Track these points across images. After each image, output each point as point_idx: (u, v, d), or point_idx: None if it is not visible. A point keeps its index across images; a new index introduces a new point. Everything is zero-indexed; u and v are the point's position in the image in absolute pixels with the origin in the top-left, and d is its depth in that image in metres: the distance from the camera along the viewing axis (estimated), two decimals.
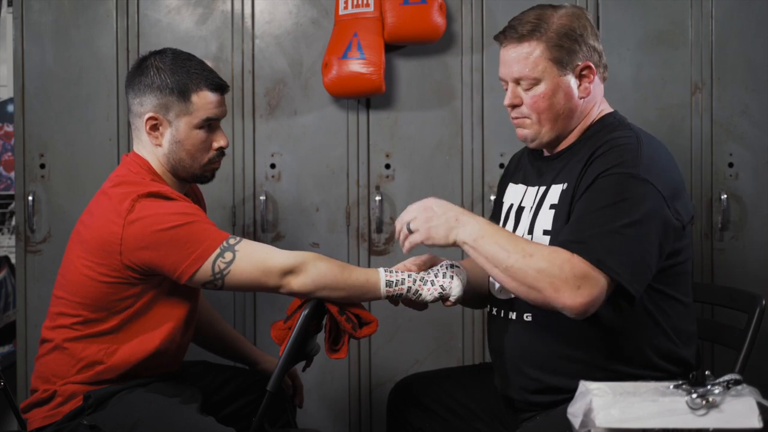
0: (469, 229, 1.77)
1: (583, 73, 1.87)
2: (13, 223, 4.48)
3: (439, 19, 2.70)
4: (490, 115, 2.81)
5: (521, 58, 1.85)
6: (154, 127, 1.98)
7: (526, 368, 1.88)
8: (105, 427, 1.86)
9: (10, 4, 4.03)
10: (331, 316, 1.91)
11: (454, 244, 1.80)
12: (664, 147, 1.89)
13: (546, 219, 1.86)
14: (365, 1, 2.71)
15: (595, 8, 2.81)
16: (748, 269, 2.83)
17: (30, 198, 2.79)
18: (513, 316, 1.91)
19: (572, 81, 1.86)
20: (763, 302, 1.96)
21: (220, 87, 2.00)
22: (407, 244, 1.84)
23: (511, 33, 1.87)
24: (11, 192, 4.57)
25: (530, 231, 1.90)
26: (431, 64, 2.83)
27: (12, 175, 4.67)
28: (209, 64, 2.18)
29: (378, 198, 2.81)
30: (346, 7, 2.73)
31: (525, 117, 1.90)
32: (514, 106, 1.91)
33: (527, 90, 1.87)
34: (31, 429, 1.95)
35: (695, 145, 2.83)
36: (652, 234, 1.72)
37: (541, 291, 1.69)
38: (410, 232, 1.83)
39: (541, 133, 1.90)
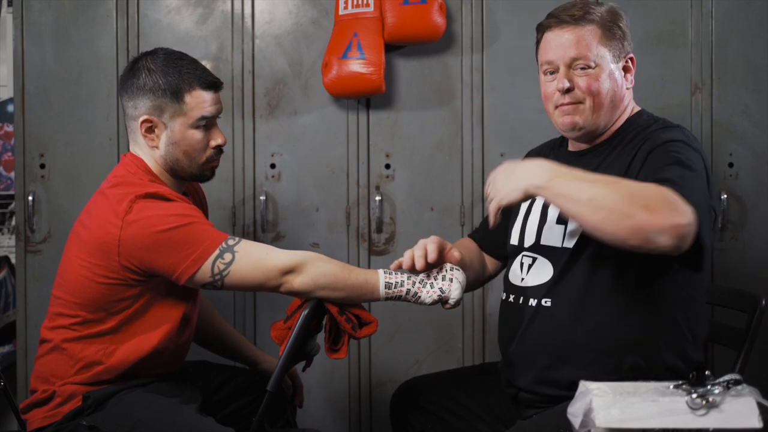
0: (539, 173, 1.65)
1: (627, 65, 1.93)
2: (13, 223, 4.48)
3: (439, 19, 2.70)
4: (490, 115, 2.81)
5: (577, 41, 1.87)
6: (150, 130, 1.97)
7: (542, 356, 1.86)
8: (104, 427, 1.86)
9: (10, 4, 4.03)
10: (331, 316, 1.91)
11: (531, 197, 1.70)
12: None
13: None
14: (365, 1, 2.71)
15: None
16: (748, 269, 2.83)
17: (30, 198, 2.79)
18: (533, 302, 1.88)
19: (618, 71, 1.91)
20: (763, 302, 1.96)
21: (213, 85, 1.99)
22: (491, 214, 1.75)
23: (565, 17, 1.89)
24: (11, 192, 4.57)
25: (560, 221, 1.87)
26: (431, 64, 2.83)
27: (12, 175, 4.66)
28: (209, 64, 2.19)
29: (378, 198, 2.81)
30: (346, 7, 2.73)
31: (578, 102, 1.88)
32: (567, 91, 1.88)
33: (581, 73, 1.88)
34: (30, 429, 1.95)
35: None
36: (709, 191, 1.76)
37: (633, 216, 1.54)
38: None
39: (591, 118, 1.88)
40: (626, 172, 1.79)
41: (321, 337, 2.01)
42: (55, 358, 1.94)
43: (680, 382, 1.40)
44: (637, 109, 1.97)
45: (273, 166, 2.84)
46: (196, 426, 1.83)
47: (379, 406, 2.81)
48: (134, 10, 2.81)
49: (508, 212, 2.06)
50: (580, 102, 1.88)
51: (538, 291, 1.87)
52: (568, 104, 1.89)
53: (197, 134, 1.98)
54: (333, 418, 2.86)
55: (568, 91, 1.88)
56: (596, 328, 1.81)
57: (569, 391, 1.79)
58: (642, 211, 1.54)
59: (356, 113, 2.84)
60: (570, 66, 1.88)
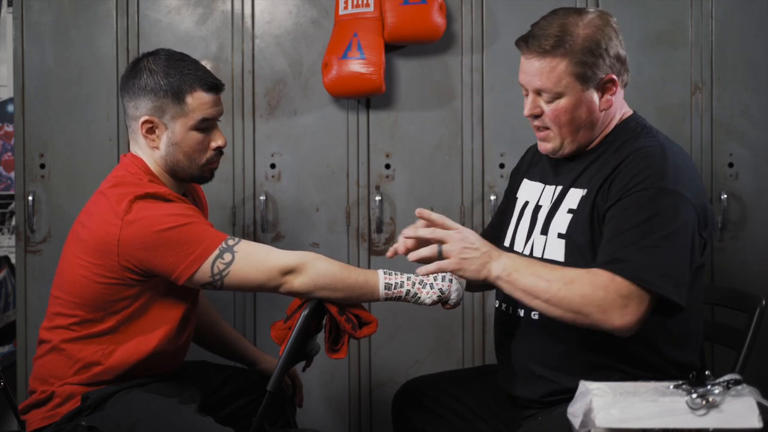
0: (502, 263, 1.75)
1: (606, 86, 1.83)
2: (13, 223, 4.48)
3: (439, 19, 2.70)
4: (490, 115, 2.81)
5: (544, 72, 1.81)
6: (150, 130, 1.97)
7: (533, 366, 1.87)
8: (103, 427, 1.86)
9: (10, 4, 4.03)
10: (331, 316, 1.91)
11: (485, 280, 1.78)
12: (686, 154, 1.89)
13: (562, 222, 1.85)
14: (365, 1, 2.71)
15: (595, 8, 2.80)
16: (748, 269, 2.83)
17: (30, 198, 2.79)
18: (521, 312, 1.90)
19: (594, 95, 1.83)
20: (763, 302, 1.96)
21: (214, 86, 1.99)
22: (433, 266, 1.79)
23: (534, 45, 1.82)
24: (11, 192, 4.57)
25: (544, 232, 1.88)
26: (431, 64, 2.83)
27: (12, 175, 4.66)
28: (209, 64, 2.19)
29: (378, 198, 2.81)
30: (346, 7, 2.73)
31: (546, 128, 1.87)
32: (534, 116, 1.87)
33: (548, 102, 1.83)
34: (30, 430, 1.95)
35: (695, 145, 2.82)
36: (687, 244, 1.73)
37: (588, 315, 1.69)
38: (440, 255, 1.78)
39: (563, 145, 1.87)
40: (604, 182, 1.80)
41: (321, 337, 2.01)
42: (54, 358, 1.94)
43: (680, 382, 1.40)
44: (628, 113, 1.92)
45: (273, 166, 2.84)
46: (195, 426, 1.83)
47: (379, 406, 2.81)
48: (134, 10, 2.81)
49: (502, 212, 2.11)
50: (549, 128, 1.87)
51: None
52: (537, 129, 1.89)
53: (198, 135, 1.98)
54: (333, 418, 2.86)
55: (535, 116, 1.87)
56: (585, 340, 1.81)
57: (566, 395, 1.80)
58: (595, 312, 1.68)
59: (356, 113, 2.84)
60: (538, 93, 1.85)
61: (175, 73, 1.95)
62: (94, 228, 1.88)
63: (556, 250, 1.85)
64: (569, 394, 1.77)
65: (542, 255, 1.88)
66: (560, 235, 1.84)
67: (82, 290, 1.90)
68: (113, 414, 1.87)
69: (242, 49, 2.82)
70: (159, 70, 1.95)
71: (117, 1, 2.81)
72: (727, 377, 1.37)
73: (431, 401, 2.10)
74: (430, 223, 1.82)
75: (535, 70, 1.82)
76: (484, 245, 1.78)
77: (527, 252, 1.92)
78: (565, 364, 1.83)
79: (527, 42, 1.84)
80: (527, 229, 1.94)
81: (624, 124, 1.90)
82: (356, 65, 2.66)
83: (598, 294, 1.68)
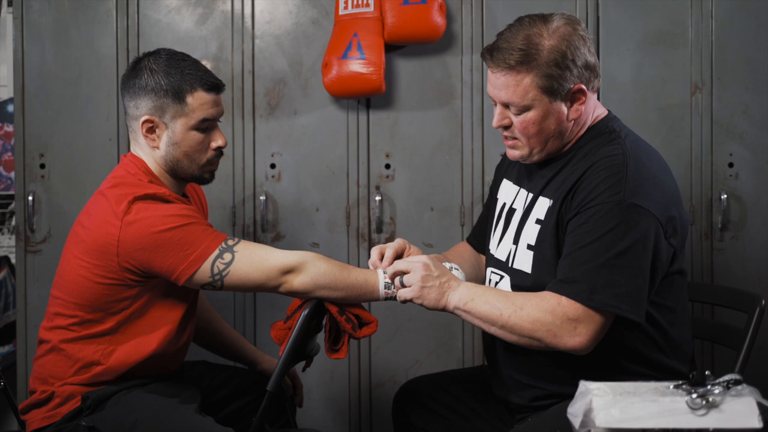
0: (459, 293, 1.80)
1: (575, 96, 1.80)
2: (13, 223, 4.48)
3: (439, 19, 2.70)
4: (489, 115, 2.81)
5: (510, 86, 1.79)
6: (151, 130, 1.97)
7: (519, 376, 1.89)
8: (104, 427, 1.86)
9: (10, 4, 4.03)
10: (331, 316, 1.92)
11: (444, 309, 1.82)
12: (656, 157, 1.85)
13: (531, 233, 1.86)
14: (365, 1, 2.71)
15: (595, 8, 2.80)
16: (748, 269, 2.83)
17: (30, 198, 2.79)
18: None
19: (563, 106, 1.80)
20: (763, 302, 1.96)
21: (215, 86, 1.99)
22: (399, 297, 1.86)
23: (498, 60, 1.79)
24: (11, 192, 4.57)
25: (515, 242, 1.89)
26: (431, 64, 2.83)
27: (12, 175, 4.67)
28: (209, 64, 2.19)
29: (378, 198, 2.81)
30: (346, 7, 2.73)
31: (515, 138, 1.86)
32: (503, 127, 1.86)
33: (516, 114, 1.81)
34: (30, 430, 1.95)
35: (695, 145, 2.82)
36: (643, 258, 1.71)
37: (540, 340, 1.73)
38: (402, 284, 1.85)
39: (531, 153, 1.86)
40: (568, 193, 1.79)
41: (321, 337, 2.01)
42: (54, 358, 1.94)
43: (680, 382, 1.40)
44: (602, 114, 1.89)
45: (273, 166, 2.84)
46: (195, 426, 1.83)
47: (379, 405, 2.81)
48: (134, 10, 2.81)
49: (487, 208, 2.13)
50: (517, 138, 1.85)
51: None
52: (506, 138, 1.88)
53: (198, 135, 1.98)
54: (333, 418, 2.86)
55: (504, 127, 1.86)
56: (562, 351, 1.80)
57: (555, 399, 1.80)
58: (546, 336, 1.72)
59: (356, 113, 2.84)
60: (506, 106, 1.83)
61: (175, 72, 1.95)
62: (94, 229, 1.88)
63: (525, 261, 1.86)
64: (558, 398, 1.79)
65: (512, 265, 1.89)
66: (529, 247, 1.85)
67: (81, 291, 1.90)
68: (113, 414, 1.87)
69: (242, 49, 2.82)
70: (160, 69, 1.95)
71: (117, 1, 2.81)
72: (727, 377, 1.37)
73: (431, 401, 2.11)
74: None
75: (501, 83, 1.80)
76: (444, 275, 1.83)
77: (500, 256, 1.94)
78: (549, 373, 1.84)
79: (492, 55, 1.81)
80: (501, 231, 1.96)
81: (595, 127, 1.87)
82: (356, 65, 2.66)
83: (546, 318, 1.71)
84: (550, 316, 1.71)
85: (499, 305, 1.75)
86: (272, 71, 2.83)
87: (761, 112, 2.82)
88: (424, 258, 1.85)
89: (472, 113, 2.82)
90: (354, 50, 2.67)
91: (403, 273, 1.86)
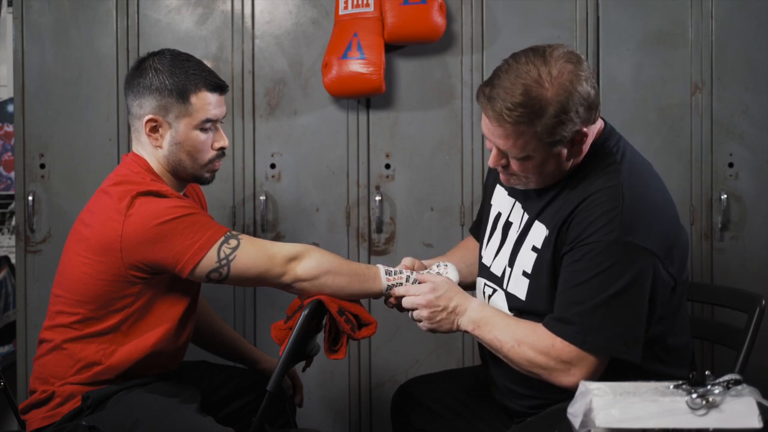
0: (467, 319, 1.84)
1: (576, 139, 1.73)
2: (13, 223, 4.48)
3: (439, 19, 2.70)
4: None
5: (509, 139, 1.71)
6: (154, 129, 1.97)
7: (514, 386, 1.90)
8: (104, 427, 1.86)
9: (10, 4, 4.03)
10: (331, 316, 1.92)
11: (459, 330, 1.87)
12: (653, 180, 1.81)
13: (527, 260, 1.83)
14: (365, 1, 2.71)
15: (595, 8, 2.80)
16: (748, 269, 2.83)
17: (30, 198, 2.79)
18: None
19: (564, 150, 1.74)
20: (763, 302, 1.96)
21: (219, 87, 2.00)
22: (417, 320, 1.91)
23: (496, 113, 1.69)
24: (11, 192, 4.57)
25: (510, 264, 1.88)
26: (431, 64, 2.83)
27: (12, 175, 4.66)
28: (209, 64, 2.19)
29: (378, 198, 2.81)
30: (346, 7, 2.73)
31: (513, 174, 1.81)
32: (501, 166, 1.81)
33: (515, 159, 1.76)
34: (30, 430, 1.95)
35: (695, 145, 2.82)
36: (639, 298, 1.70)
37: (538, 375, 1.76)
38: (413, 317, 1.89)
39: (528, 185, 1.84)
40: (563, 224, 1.77)
41: (320, 338, 2.01)
42: (55, 358, 1.94)
43: (680, 382, 1.40)
44: (600, 129, 1.80)
45: (273, 166, 2.84)
46: (195, 426, 1.82)
47: (379, 406, 2.81)
48: (134, 10, 2.81)
49: (482, 209, 2.13)
50: (515, 175, 1.81)
51: None
52: (503, 172, 1.83)
53: (201, 135, 1.98)
54: (333, 418, 2.86)
55: (502, 166, 1.81)
56: None
57: (552, 404, 1.80)
58: (543, 373, 1.74)
59: (356, 113, 2.84)
60: (502, 152, 1.77)
61: (180, 72, 1.96)
62: (97, 226, 1.88)
63: (520, 287, 1.85)
64: (555, 403, 1.79)
65: (506, 287, 1.89)
66: (525, 274, 1.84)
67: (84, 288, 1.90)
68: (114, 414, 1.87)
69: (242, 49, 2.82)
70: (164, 69, 1.96)
71: (117, 1, 2.81)
72: (727, 377, 1.37)
73: (430, 401, 2.11)
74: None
75: (498, 134, 1.72)
76: (450, 301, 1.85)
77: (495, 271, 1.93)
78: (545, 385, 1.80)
79: (490, 102, 1.70)
80: (497, 245, 1.95)
81: (593, 153, 1.79)
82: (356, 65, 2.66)
83: (540, 359, 1.73)
84: (544, 357, 1.73)
85: (501, 338, 1.79)
86: (272, 71, 2.83)
87: (761, 112, 2.82)
88: (426, 290, 1.87)
89: (472, 113, 2.82)
90: (354, 50, 2.67)
91: (412, 309, 1.89)
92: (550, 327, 1.73)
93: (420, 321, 1.88)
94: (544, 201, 1.83)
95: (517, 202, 1.93)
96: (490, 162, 1.81)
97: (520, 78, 1.68)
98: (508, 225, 1.94)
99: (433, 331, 1.88)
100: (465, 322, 1.84)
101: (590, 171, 1.79)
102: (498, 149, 1.77)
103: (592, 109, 1.72)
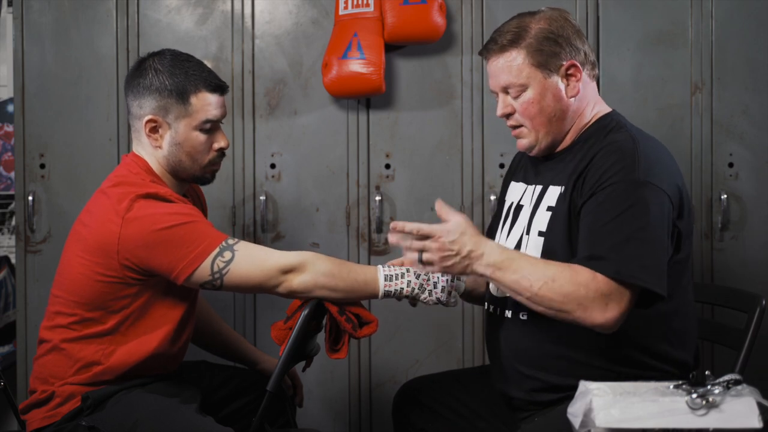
0: (485, 261, 1.76)
1: (569, 72, 1.87)
2: (13, 223, 4.48)
3: (439, 19, 2.70)
4: (490, 115, 2.81)
5: (505, 68, 1.88)
6: (154, 130, 1.97)
7: (522, 367, 1.88)
8: (104, 427, 1.86)
9: (10, 4, 4.03)
10: (331, 316, 1.92)
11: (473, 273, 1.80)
12: (662, 146, 1.89)
13: (542, 220, 1.87)
14: (365, 1, 2.71)
15: (595, 8, 2.81)
16: (748, 269, 2.83)
17: (30, 198, 2.79)
18: (509, 314, 1.91)
19: (559, 82, 1.87)
20: (763, 302, 1.96)
21: (219, 88, 2.00)
22: (421, 270, 1.89)
23: (492, 45, 1.90)
24: (11, 192, 4.57)
25: (528, 231, 1.90)
26: (431, 64, 2.83)
27: (12, 175, 4.66)
28: (209, 64, 2.19)
29: (378, 198, 2.81)
30: (346, 7, 2.73)
31: (520, 125, 1.92)
32: (507, 116, 1.92)
33: (516, 97, 1.89)
34: (30, 430, 1.95)
35: (695, 145, 2.83)
36: (663, 234, 1.75)
37: (570, 312, 1.72)
38: (422, 261, 1.80)
39: (538, 139, 1.91)
40: (578, 178, 1.82)
41: (321, 337, 2.01)
42: (54, 358, 1.94)
43: (680, 382, 1.40)
44: (602, 112, 1.94)
45: (273, 166, 2.84)
46: (195, 426, 1.83)
47: (379, 406, 2.81)
48: (134, 10, 2.81)
49: (495, 218, 2.13)
50: (521, 125, 1.91)
51: (515, 303, 1.87)
52: (512, 128, 1.94)
53: (201, 136, 1.98)
54: (333, 418, 2.86)
55: (507, 116, 1.93)
56: (572, 339, 1.81)
57: (558, 393, 1.81)
58: (577, 309, 1.71)
59: (356, 113, 2.84)
60: (505, 92, 1.91)
61: (180, 73, 1.96)
62: (95, 226, 1.88)
63: (534, 248, 1.87)
64: (558, 392, 1.80)
65: (524, 251, 1.90)
66: (540, 233, 1.87)
67: (82, 288, 1.90)
68: (114, 414, 1.87)
69: (242, 49, 2.82)
70: (164, 69, 1.96)
71: (117, 1, 2.81)
72: (727, 377, 1.37)
73: (431, 401, 2.11)
74: (407, 234, 1.82)
75: (497, 68, 1.90)
76: (465, 246, 1.76)
77: (510, 246, 1.94)
78: (553, 363, 1.84)
79: (487, 47, 1.92)
80: (508, 229, 1.98)
81: (599, 121, 1.92)
82: (356, 65, 2.66)
83: (579, 292, 1.70)
84: (584, 289, 1.70)
85: (530, 277, 1.73)
86: (272, 71, 2.83)
87: (761, 112, 2.82)
88: (444, 231, 1.78)
89: (472, 113, 2.82)
90: (354, 50, 2.67)
91: (422, 250, 1.79)
92: (584, 264, 1.73)
93: (430, 264, 1.80)
94: (557, 169, 1.90)
95: (528, 186, 1.98)
96: (498, 111, 1.93)
97: (514, 20, 1.92)
98: (519, 208, 1.97)
99: (442, 271, 1.83)
100: (481, 266, 1.77)
101: (598, 134, 1.88)
102: (502, 93, 1.91)
103: (581, 52, 1.88)
